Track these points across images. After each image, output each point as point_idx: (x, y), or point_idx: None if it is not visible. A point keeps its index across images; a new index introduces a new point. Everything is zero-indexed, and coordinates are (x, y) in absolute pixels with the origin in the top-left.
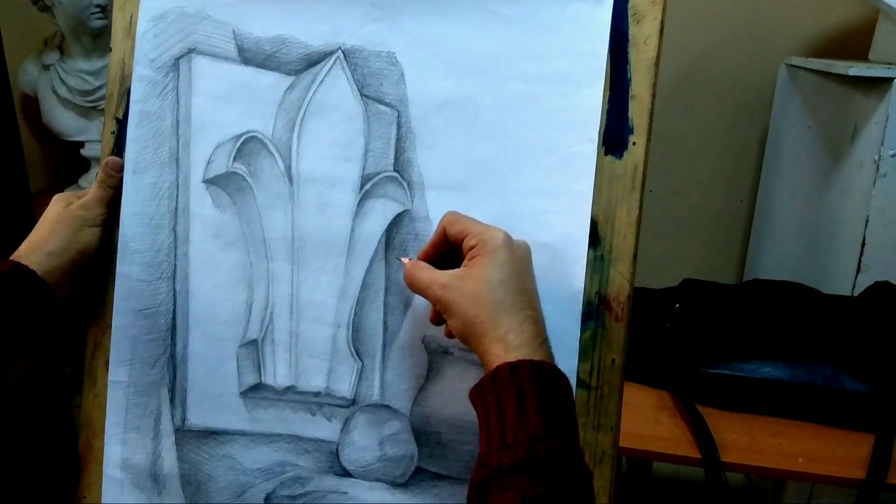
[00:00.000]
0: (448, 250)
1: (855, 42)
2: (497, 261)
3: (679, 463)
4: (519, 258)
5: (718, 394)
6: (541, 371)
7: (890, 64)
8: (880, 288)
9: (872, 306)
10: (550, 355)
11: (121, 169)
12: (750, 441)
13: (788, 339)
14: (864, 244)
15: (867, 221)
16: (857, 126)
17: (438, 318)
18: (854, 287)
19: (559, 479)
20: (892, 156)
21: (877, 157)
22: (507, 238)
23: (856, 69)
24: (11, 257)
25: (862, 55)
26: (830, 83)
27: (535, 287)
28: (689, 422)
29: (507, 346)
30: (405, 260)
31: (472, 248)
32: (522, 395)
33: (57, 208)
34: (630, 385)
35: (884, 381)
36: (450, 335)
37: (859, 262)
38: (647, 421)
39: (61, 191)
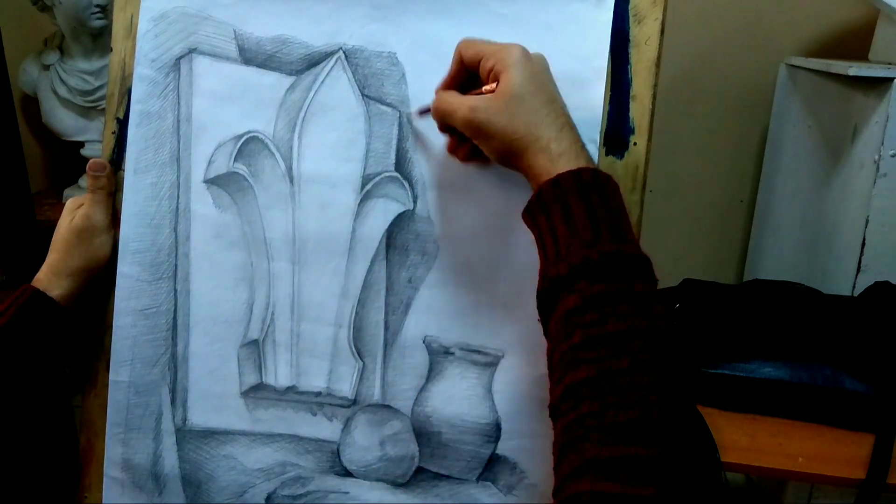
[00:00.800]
0: (467, 81)
1: (855, 42)
2: (522, 74)
3: None
4: (540, 69)
5: (718, 394)
6: (582, 179)
7: (890, 64)
8: (880, 288)
9: (872, 306)
10: (589, 157)
11: (103, 168)
12: (750, 441)
13: (788, 339)
14: (864, 244)
15: (867, 221)
16: (857, 126)
17: (456, 146)
18: (854, 287)
19: (616, 274)
20: (892, 156)
21: (877, 157)
22: (524, 51)
23: (856, 69)
24: (33, 282)
25: (862, 55)
26: (830, 83)
27: (559, 94)
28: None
29: (550, 156)
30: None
31: (491, 68)
32: (568, 207)
33: (65, 224)
34: None
35: (884, 381)
36: (465, 158)
37: (859, 262)
38: None
39: (61, 191)
